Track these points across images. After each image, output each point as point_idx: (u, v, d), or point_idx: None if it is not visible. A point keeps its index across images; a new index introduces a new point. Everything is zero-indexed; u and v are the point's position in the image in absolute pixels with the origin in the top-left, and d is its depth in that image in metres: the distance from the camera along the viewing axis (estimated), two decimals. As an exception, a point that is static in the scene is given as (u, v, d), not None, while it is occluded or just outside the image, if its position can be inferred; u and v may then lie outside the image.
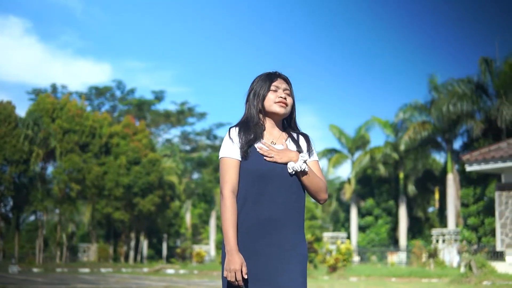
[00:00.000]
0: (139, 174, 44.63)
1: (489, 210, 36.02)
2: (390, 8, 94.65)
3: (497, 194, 25.12)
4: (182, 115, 67.15)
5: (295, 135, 4.04)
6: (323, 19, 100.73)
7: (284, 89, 3.95)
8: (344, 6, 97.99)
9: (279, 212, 3.74)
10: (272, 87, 3.93)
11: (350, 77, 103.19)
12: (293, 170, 3.79)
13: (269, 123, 3.97)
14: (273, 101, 3.90)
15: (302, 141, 4.02)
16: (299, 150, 3.91)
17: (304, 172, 3.82)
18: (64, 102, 44.14)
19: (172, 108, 68.57)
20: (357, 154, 50.54)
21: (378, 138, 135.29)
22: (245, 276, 3.62)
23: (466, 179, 40.17)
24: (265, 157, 3.77)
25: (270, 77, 3.97)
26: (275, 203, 3.74)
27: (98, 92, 66.89)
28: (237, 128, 3.89)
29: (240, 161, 3.81)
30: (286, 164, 3.80)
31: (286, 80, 4.01)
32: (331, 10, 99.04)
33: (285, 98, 3.92)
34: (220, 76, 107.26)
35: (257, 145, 3.81)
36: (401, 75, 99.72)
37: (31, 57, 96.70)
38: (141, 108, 66.47)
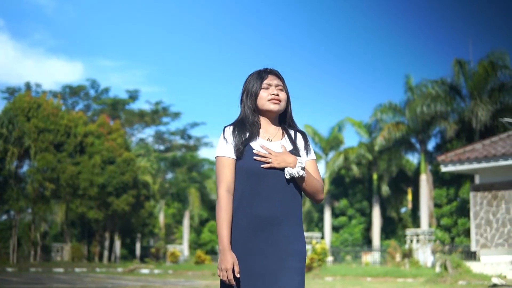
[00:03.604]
0: (114, 174, 44.47)
1: (462, 211, 36.34)
2: (365, 9, 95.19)
3: (472, 194, 25.37)
4: (156, 115, 66.99)
5: (292, 132, 4.01)
6: (297, 20, 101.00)
7: (276, 85, 3.92)
8: (318, 7, 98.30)
9: (276, 210, 3.73)
10: (264, 85, 3.90)
11: (325, 77, 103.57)
12: (290, 176, 3.77)
13: (264, 121, 3.94)
14: (266, 99, 3.88)
15: (299, 139, 3.99)
16: (295, 149, 3.91)
17: (301, 178, 3.83)
18: (41, 101, 43.87)
19: (147, 107, 68.53)
20: (331, 155, 50.76)
21: (352, 139, 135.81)
22: (237, 275, 3.61)
23: (439, 180, 40.49)
24: (262, 165, 3.75)
25: (261, 75, 3.94)
26: (272, 200, 3.73)
27: (72, 91, 66.52)
28: (231, 127, 3.87)
29: (235, 159, 3.80)
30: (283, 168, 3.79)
31: (278, 75, 3.98)
32: (305, 11, 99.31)
33: (277, 95, 3.90)
34: (195, 75, 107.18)
35: (255, 151, 3.78)
36: (376, 76, 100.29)
37: (2, 55, 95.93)
38: (115, 107, 66.20)
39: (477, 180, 26.93)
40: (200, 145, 68.62)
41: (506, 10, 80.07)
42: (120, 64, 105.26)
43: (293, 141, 3.95)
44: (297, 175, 3.77)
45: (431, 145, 43.75)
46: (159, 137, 69.10)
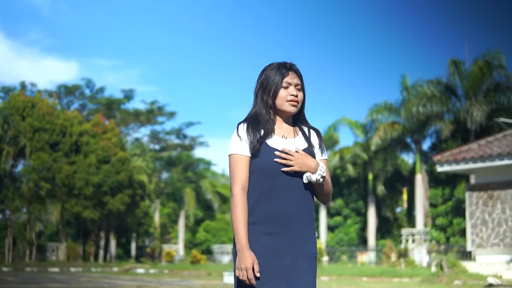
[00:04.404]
0: (109, 173, 44.44)
1: (458, 211, 36.41)
2: (360, 10, 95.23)
3: (467, 194, 25.38)
4: (151, 114, 66.84)
5: (306, 129, 3.92)
6: (293, 19, 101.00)
7: (296, 85, 3.79)
8: (313, 8, 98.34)
9: (291, 208, 3.66)
10: (284, 84, 3.76)
11: (321, 77, 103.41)
12: (308, 181, 3.72)
13: (279, 118, 3.84)
14: (285, 99, 3.76)
15: (313, 137, 3.91)
16: (310, 146, 3.83)
17: (319, 184, 3.77)
18: (36, 100, 43.85)
19: (142, 107, 68.41)
20: (327, 154, 50.76)
21: (347, 138, 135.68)
22: (257, 274, 3.54)
23: (435, 180, 40.55)
24: (283, 168, 3.68)
25: (281, 71, 3.79)
26: (288, 198, 3.66)
27: (67, 90, 66.39)
28: (245, 124, 3.76)
29: (250, 157, 3.70)
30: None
31: (297, 72, 3.83)
32: (301, 11, 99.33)
33: (296, 96, 3.77)
34: (190, 75, 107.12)
35: (277, 152, 3.69)
36: (372, 76, 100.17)
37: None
38: (111, 107, 66.08)
39: (472, 180, 26.94)
40: (195, 145, 68.53)
41: (502, 10, 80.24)
42: (115, 63, 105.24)
43: (307, 139, 3.87)
44: (315, 181, 3.72)
45: (426, 145, 43.88)
46: (154, 136, 68.97)
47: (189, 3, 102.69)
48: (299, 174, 3.71)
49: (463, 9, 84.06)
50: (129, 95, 67.86)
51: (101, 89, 67.72)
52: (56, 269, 36.48)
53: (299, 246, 3.67)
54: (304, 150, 3.79)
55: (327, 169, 3.87)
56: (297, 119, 3.93)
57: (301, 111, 3.92)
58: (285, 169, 3.68)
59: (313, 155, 3.81)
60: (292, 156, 3.69)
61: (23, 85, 62.31)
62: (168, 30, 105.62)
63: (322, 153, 3.90)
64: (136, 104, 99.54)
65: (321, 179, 3.74)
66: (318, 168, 3.72)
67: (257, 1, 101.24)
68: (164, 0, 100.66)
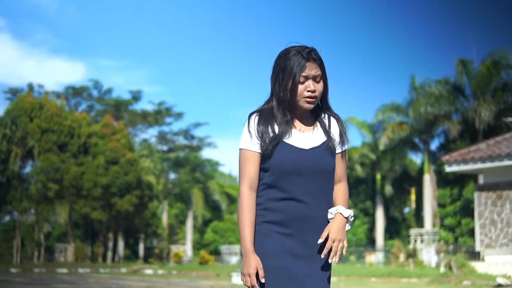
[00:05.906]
0: (117, 174, 44.49)
1: (466, 211, 36.31)
2: (368, 10, 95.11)
3: (476, 194, 25.31)
4: (159, 115, 66.83)
5: (326, 118, 3.59)
6: (298, 20, 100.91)
7: (314, 77, 3.45)
8: (320, 7, 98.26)
9: (309, 209, 3.41)
10: (301, 79, 3.41)
11: (327, 77, 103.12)
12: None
13: (297, 110, 3.51)
14: (301, 96, 3.42)
15: (334, 127, 3.57)
16: (329, 139, 3.50)
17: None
18: (44, 101, 43.94)
19: (149, 108, 68.45)
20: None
21: (355, 139, 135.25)
22: (262, 280, 3.32)
23: (443, 180, 40.49)
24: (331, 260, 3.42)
25: (299, 63, 3.41)
26: (303, 200, 3.40)
27: (75, 91, 66.51)
28: (256, 118, 3.47)
29: (260, 153, 3.42)
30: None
31: (316, 60, 3.48)
32: (306, 11, 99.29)
33: (314, 91, 3.43)
34: (197, 75, 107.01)
35: (322, 255, 3.45)
36: (379, 76, 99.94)
37: (4, 55, 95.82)
38: (118, 108, 66.12)
39: (481, 180, 26.88)
40: (203, 145, 68.48)
41: (509, 9, 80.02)
42: (122, 64, 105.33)
43: (326, 131, 3.54)
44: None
45: (434, 145, 43.86)
46: (162, 137, 68.96)
47: (196, 5, 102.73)
48: (318, 174, 3.46)
49: (470, 9, 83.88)
50: (136, 96, 67.89)
51: (109, 90, 67.84)
52: (64, 270, 36.53)
53: (314, 249, 3.45)
54: (322, 143, 3.50)
55: (345, 161, 3.64)
56: (318, 107, 3.61)
57: (322, 98, 3.60)
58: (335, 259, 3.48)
59: (332, 150, 3.51)
60: (332, 239, 3.43)
61: (30, 86, 62.52)
62: (175, 31, 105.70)
63: (342, 145, 3.58)
64: (144, 105, 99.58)
65: (350, 223, 3.56)
66: (347, 224, 3.52)
67: (262, 2, 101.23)
68: (170, 1, 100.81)
